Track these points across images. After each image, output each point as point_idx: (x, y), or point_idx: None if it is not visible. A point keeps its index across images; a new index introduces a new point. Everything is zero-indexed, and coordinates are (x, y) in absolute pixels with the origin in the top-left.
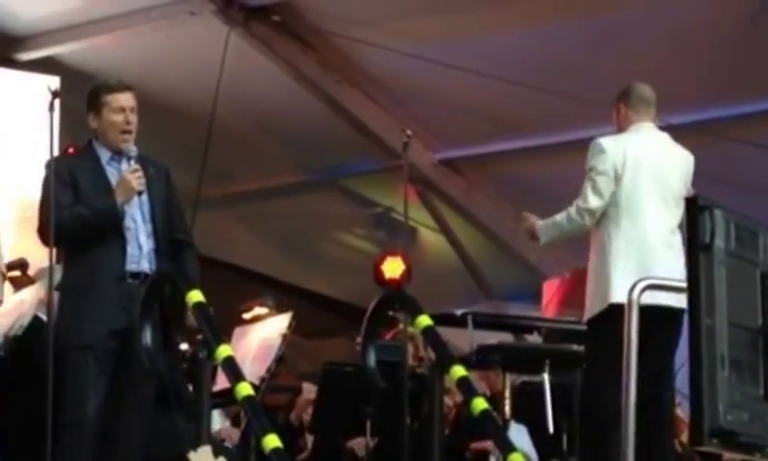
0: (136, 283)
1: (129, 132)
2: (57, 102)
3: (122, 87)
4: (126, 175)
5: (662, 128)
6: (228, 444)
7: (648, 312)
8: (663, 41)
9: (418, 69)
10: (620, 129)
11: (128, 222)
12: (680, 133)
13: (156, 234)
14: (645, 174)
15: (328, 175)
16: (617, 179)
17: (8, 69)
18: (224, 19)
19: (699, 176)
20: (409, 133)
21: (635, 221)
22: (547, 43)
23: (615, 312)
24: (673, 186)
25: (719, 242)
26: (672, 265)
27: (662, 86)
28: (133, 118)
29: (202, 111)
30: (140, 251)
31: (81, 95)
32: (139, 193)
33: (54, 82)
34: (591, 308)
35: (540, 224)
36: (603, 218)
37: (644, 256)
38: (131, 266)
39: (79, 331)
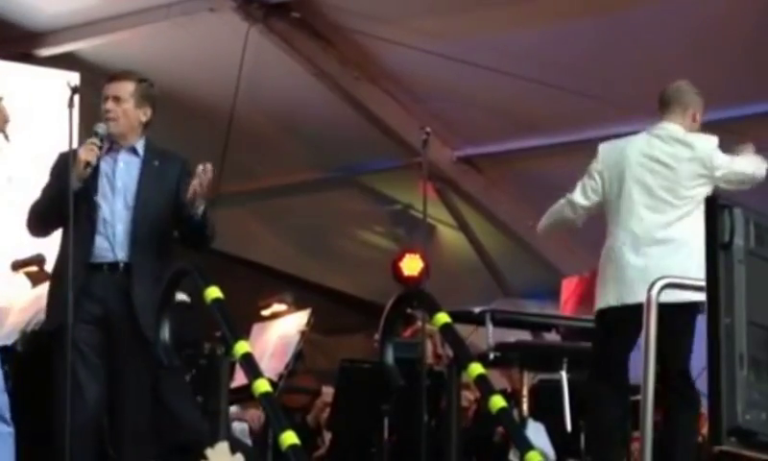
0: (113, 274)
1: (108, 119)
2: (76, 98)
3: (110, 77)
4: (79, 148)
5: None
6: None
7: (628, 311)
8: (684, 39)
9: (437, 67)
10: None
11: (103, 210)
12: (702, 132)
13: (135, 223)
14: (635, 174)
15: (347, 172)
16: (609, 183)
17: (28, 65)
18: (243, 16)
19: None
20: (428, 130)
21: (622, 221)
22: (568, 42)
23: (598, 316)
24: (672, 181)
25: (738, 241)
26: (663, 261)
27: None
28: (112, 106)
29: (221, 108)
30: (113, 240)
31: (100, 91)
32: (88, 164)
33: (74, 77)
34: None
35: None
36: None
37: (627, 256)
38: (105, 255)
39: (50, 319)
